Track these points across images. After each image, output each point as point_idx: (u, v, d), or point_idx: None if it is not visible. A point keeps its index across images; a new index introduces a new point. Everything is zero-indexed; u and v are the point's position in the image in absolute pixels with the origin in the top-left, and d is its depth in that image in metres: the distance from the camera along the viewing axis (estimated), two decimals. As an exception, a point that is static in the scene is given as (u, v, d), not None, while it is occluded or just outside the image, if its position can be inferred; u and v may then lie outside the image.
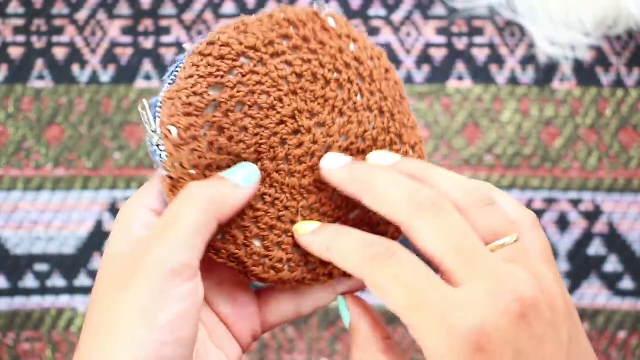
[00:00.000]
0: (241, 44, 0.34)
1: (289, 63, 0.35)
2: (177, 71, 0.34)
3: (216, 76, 0.33)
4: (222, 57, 0.33)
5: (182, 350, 0.31)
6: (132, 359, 0.30)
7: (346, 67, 0.36)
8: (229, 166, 0.34)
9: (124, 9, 0.67)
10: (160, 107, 0.34)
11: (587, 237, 0.65)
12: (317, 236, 0.35)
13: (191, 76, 0.33)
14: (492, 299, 0.29)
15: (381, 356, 0.34)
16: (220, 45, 0.34)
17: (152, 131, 0.34)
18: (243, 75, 0.34)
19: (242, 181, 0.34)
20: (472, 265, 0.30)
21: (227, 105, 0.33)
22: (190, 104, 0.33)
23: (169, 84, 0.34)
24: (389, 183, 0.33)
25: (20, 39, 0.67)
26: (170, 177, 0.34)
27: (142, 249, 0.32)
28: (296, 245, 0.36)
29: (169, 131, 0.33)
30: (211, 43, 0.34)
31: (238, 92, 0.33)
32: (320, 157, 0.36)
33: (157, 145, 0.34)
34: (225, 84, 0.33)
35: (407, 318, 0.30)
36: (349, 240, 0.33)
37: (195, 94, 0.33)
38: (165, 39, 0.67)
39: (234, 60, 0.34)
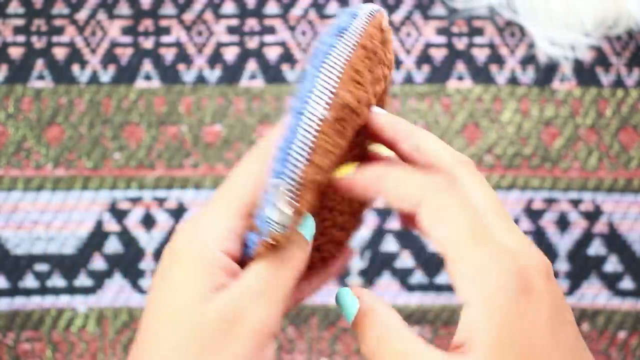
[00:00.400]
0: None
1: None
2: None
3: None
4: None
5: None
6: None
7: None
8: None
9: (124, 9, 0.67)
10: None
11: (587, 237, 0.65)
12: (365, 171, 0.35)
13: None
14: (533, 253, 0.32)
15: (405, 330, 0.34)
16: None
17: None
18: None
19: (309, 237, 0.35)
20: (508, 222, 0.33)
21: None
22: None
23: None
24: (432, 137, 0.35)
25: (20, 39, 0.67)
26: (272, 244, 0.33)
27: (236, 308, 0.32)
28: None
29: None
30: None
31: None
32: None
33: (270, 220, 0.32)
34: None
35: (462, 248, 0.32)
36: (404, 170, 0.34)
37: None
38: (165, 39, 0.67)
39: None
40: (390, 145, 0.36)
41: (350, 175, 0.35)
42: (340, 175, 0.36)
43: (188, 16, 0.67)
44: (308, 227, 0.35)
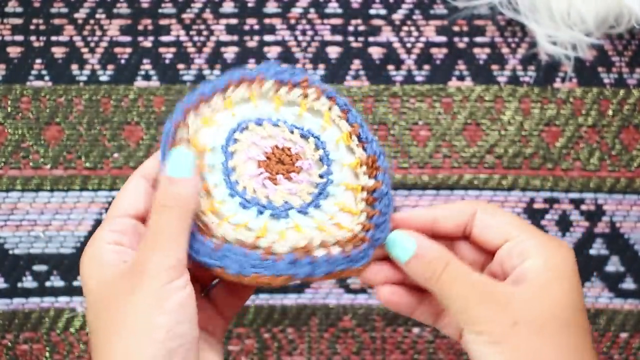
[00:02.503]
0: None
1: None
2: None
3: None
4: None
5: (191, 325, 0.37)
6: (152, 341, 0.36)
7: None
8: None
9: (123, 8, 0.67)
10: None
11: (588, 238, 0.65)
12: (417, 210, 0.44)
13: None
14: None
15: (465, 267, 0.40)
16: None
17: None
18: None
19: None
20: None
21: None
22: None
23: None
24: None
25: (19, 38, 0.67)
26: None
27: (138, 261, 0.38)
28: None
29: None
30: None
31: None
32: None
33: None
34: None
35: (525, 229, 0.40)
36: (447, 205, 0.45)
37: None
38: (164, 38, 0.67)
39: None
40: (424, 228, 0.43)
41: (406, 213, 0.43)
42: (399, 215, 0.42)
43: (187, 15, 0.67)
44: (185, 163, 0.39)
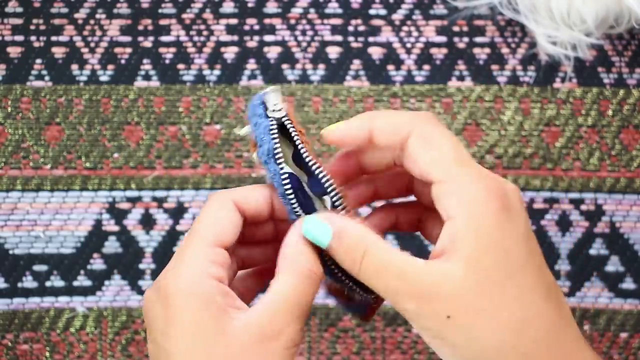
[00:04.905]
0: None
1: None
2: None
3: None
4: None
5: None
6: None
7: None
8: None
9: (123, 8, 0.67)
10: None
11: (588, 238, 0.65)
12: (352, 120, 0.39)
13: None
14: (505, 179, 0.36)
15: (382, 242, 0.36)
16: None
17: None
18: None
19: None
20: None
21: None
22: None
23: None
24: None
25: (19, 38, 0.67)
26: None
27: (277, 323, 0.35)
28: None
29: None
30: None
31: None
32: None
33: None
34: None
35: (449, 168, 0.35)
36: (390, 111, 0.42)
37: None
38: (164, 38, 0.67)
39: None
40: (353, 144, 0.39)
41: (340, 125, 0.39)
42: (330, 129, 0.39)
43: (188, 15, 0.67)
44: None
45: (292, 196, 0.38)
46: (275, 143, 0.38)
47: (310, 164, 0.39)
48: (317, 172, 0.38)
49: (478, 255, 0.34)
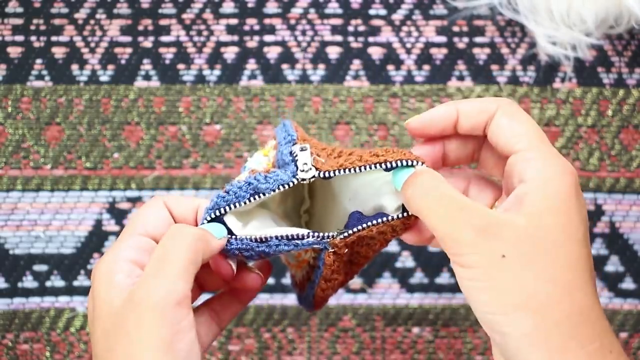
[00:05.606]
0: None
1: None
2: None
3: None
4: None
5: None
6: None
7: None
8: None
9: (123, 8, 0.67)
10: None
11: (588, 238, 0.65)
12: (436, 108, 0.42)
13: None
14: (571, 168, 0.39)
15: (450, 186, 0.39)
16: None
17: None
18: None
19: (218, 235, 0.41)
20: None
21: None
22: None
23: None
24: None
25: (19, 38, 0.67)
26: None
27: (141, 288, 0.37)
28: None
29: None
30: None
31: None
32: None
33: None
34: None
35: (535, 142, 0.38)
36: (471, 99, 0.44)
37: None
38: (164, 38, 0.67)
39: None
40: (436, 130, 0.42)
41: (424, 114, 0.42)
42: (415, 117, 0.43)
43: (187, 15, 0.67)
44: (214, 229, 0.41)
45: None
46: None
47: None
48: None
49: (542, 213, 0.36)
